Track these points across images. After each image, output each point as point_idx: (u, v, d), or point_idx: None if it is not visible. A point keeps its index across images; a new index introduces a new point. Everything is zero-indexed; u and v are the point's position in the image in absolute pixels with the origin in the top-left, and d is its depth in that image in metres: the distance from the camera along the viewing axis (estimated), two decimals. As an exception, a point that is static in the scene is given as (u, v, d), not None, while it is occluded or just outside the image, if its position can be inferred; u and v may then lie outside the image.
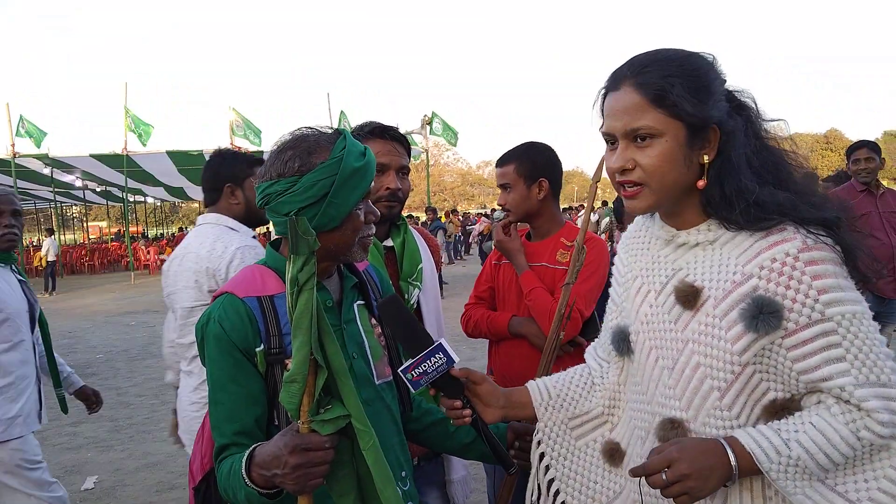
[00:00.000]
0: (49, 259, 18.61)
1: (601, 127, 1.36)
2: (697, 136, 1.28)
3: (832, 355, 1.20)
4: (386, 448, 1.46)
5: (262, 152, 20.98)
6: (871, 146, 4.86)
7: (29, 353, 2.89)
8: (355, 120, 18.48)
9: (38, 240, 30.83)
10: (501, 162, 2.55)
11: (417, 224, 14.67)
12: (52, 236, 20.18)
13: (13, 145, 19.09)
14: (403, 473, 1.58)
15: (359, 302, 1.61)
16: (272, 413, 1.45)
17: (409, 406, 1.70)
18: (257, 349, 1.42)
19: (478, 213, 37.58)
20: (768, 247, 1.25)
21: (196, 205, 45.94)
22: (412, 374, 1.41)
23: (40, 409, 2.95)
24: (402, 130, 2.28)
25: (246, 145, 20.09)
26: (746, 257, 1.27)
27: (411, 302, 2.20)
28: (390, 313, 1.46)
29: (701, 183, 1.29)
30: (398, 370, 1.45)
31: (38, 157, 19.91)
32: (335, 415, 1.30)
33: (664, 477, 1.19)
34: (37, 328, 2.98)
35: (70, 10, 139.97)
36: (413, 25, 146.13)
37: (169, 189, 28.35)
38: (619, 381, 1.55)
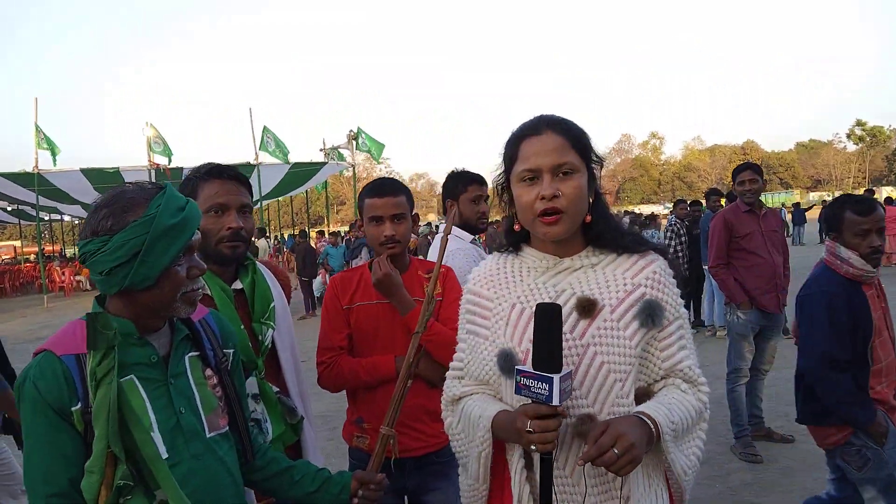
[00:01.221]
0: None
1: (517, 168, 1.60)
2: (591, 179, 1.61)
3: (683, 344, 1.61)
4: (219, 500, 1.47)
5: (180, 169, 20.61)
6: (754, 168, 5.11)
7: None
8: (282, 136, 18.26)
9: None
10: (392, 191, 2.49)
11: (342, 237, 14.59)
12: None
13: None
14: None
15: (191, 354, 1.60)
16: None
17: (252, 454, 1.70)
18: (73, 408, 1.38)
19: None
20: (648, 264, 1.63)
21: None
22: (522, 378, 1.42)
23: None
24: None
25: (163, 161, 19.66)
26: (633, 272, 1.62)
27: (266, 343, 2.18)
28: (544, 321, 1.40)
29: (588, 217, 1.62)
30: (516, 366, 1.45)
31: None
32: None
33: (616, 451, 1.35)
34: None
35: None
36: (338, 37, 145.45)
37: (86, 207, 27.27)
38: (512, 398, 1.60)
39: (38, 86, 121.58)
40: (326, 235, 20.35)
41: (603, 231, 1.64)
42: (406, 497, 2.52)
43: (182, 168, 20.50)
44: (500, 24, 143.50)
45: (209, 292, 2.06)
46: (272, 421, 2.14)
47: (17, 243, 48.67)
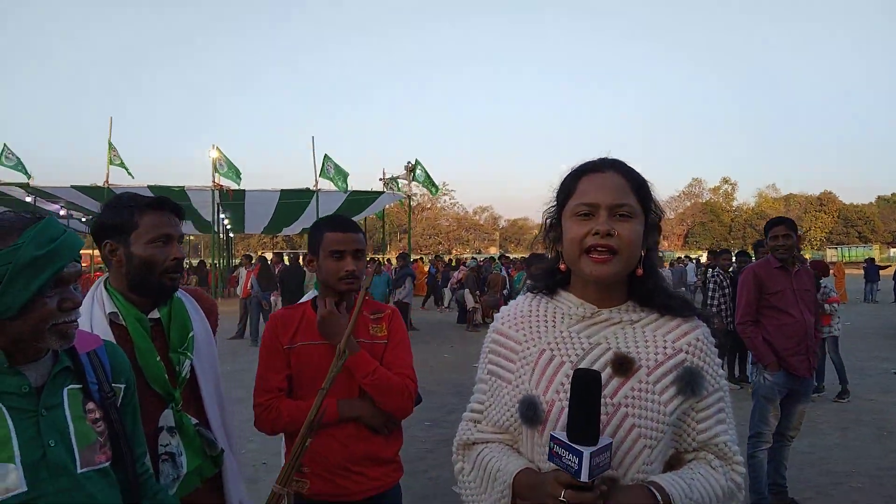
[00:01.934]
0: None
1: (572, 202, 1.54)
2: (648, 230, 1.55)
3: (722, 418, 1.54)
4: None
5: (242, 191, 21.24)
6: (788, 224, 4.84)
7: None
8: (344, 164, 18.55)
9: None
10: (353, 228, 2.48)
11: (389, 266, 14.67)
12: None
13: (-6, 174, 19.21)
14: None
15: (72, 386, 1.56)
16: None
17: (138, 494, 1.65)
18: None
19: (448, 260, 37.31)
20: (691, 329, 1.55)
21: (188, 237, 45.82)
22: (554, 446, 1.34)
23: None
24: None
25: (228, 184, 20.29)
26: (675, 336, 1.54)
27: (183, 374, 2.12)
28: (582, 388, 1.31)
29: (640, 271, 1.54)
30: (551, 432, 1.36)
31: (20, 185, 20.00)
32: None
33: None
34: None
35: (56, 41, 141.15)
36: (400, 75, 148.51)
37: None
38: (531, 451, 1.55)
39: (112, 105, 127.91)
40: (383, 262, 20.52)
41: (651, 288, 1.56)
42: None
43: (245, 190, 21.20)
44: (570, 62, 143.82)
45: (123, 322, 2.03)
46: (188, 454, 2.09)
47: (94, 252, 50.96)
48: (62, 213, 25.05)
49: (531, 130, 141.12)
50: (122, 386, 1.69)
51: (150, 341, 2.06)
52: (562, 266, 1.61)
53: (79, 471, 1.50)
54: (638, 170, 1.60)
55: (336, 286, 2.39)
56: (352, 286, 2.39)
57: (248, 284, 13.79)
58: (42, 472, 1.45)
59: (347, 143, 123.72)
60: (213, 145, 19.75)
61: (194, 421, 2.15)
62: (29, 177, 19.76)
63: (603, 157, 1.59)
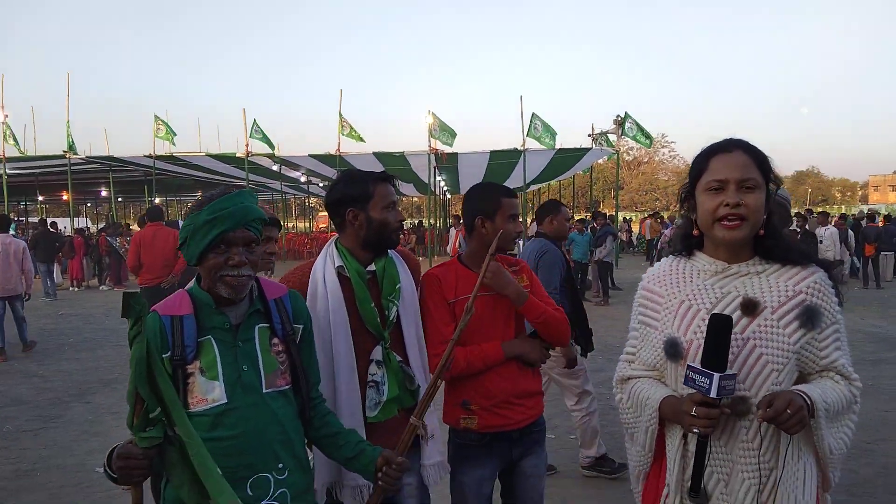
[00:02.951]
0: (269, 246, 21.19)
1: (704, 178, 1.86)
2: (768, 197, 1.85)
3: (838, 345, 1.83)
4: (262, 443, 1.88)
5: (455, 154, 22.25)
6: None
7: None
8: (552, 120, 18.62)
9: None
10: (511, 194, 2.83)
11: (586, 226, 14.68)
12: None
13: (247, 145, 22.16)
14: (280, 465, 1.93)
15: (261, 325, 1.98)
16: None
17: (308, 413, 2.08)
18: (164, 356, 1.84)
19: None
20: (810, 275, 1.85)
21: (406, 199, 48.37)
22: (690, 372, 1.74)
23: None
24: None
25: (443, 148, 21.38)
26: (795, 281, 1.84)
27: (391, 318, 2.54)
28: (717, 328, 1.70)
29: (762, 231, 1.85)
30: (688, 362, 1.78)
31: (268, 156, 22.78)
32: (150, 435, 1.70)
33: (788, 411, 1.63)
34: None
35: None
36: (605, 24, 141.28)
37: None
38: (675, 382, 1.91)
39: (342, 79, 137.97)
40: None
41: (772, 245, 1.87)
42: (511, 463, 2.79)
43: (457, 153, 22.22)
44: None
45: (347, 274, 2.50)
46: (390, 384, 2.51)
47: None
48: (302, 179, 28.09)
49: (762, 75, 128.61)
50: (301, 326, 2.08)
51: (367, 290, 2.50)
52: (695, 232, 1.94)
53: (264, 390, 1.92)
54: (758, 146, 1.88)
55: (507, 245, 2.76)
56: (514, 245, 2.81)
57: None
58: (238, 389, 1.88)
59: (556, 99, 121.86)
60: (429, 111, 20.69)
61: (398, 358, 2.55)
62: (273, 148, 22.49)
63: (729, 138, 1.89)
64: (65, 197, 28.74)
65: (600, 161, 25.41)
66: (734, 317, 1.77)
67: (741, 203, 1.78)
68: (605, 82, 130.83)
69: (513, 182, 26.38)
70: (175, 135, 22.79)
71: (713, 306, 1.85)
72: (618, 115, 21.01)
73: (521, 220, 2.80)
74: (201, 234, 1.89)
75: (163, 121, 22.57)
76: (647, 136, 20.98)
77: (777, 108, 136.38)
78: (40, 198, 35.60)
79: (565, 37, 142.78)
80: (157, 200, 37.56)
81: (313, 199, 47.28)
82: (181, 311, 1.92)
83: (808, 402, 1.70)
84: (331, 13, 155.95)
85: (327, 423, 2.14)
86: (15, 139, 21.93)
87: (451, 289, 2.73)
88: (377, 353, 2.53)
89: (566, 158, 22.87)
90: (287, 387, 2.01)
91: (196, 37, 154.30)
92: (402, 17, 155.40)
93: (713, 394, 1.66)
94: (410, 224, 31.49)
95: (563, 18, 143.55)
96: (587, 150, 22.82)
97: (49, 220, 22.08)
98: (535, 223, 5.64)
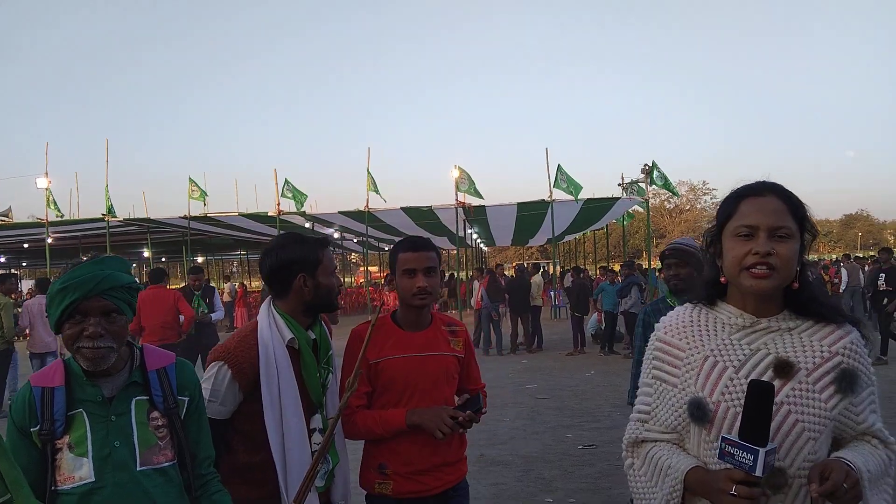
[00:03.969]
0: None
1: (733, 223, 1.71)
2: (802, 248, 1.71)
3: (874, 408, 1.72)
4: None
5: (483, 207, 22.29)
6: None
7: None
8: (579, 171, 18.64)
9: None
10: (423, 247, 2.68)
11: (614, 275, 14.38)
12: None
13: (278, 204, 22.53)
14: None
15: (139, 397, 1.91)
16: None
17: (194, 494, 1.97)
18: (33, 429, 1.80)
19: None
20: (845, 335, 1.71)
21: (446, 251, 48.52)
22: (726, 446, 1.54)
23: None
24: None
25: (469, 201, 21.47)
26: (831, 341, 1.70)
27: (328, 385, 2.53)
28: (758, 397, 1.51)
29: (796, 285, 1.70)
30: (721, 432, 1.59)
31: (299, 213, 23.17)
32: None
33: (845, 486, 1.50)
34: None
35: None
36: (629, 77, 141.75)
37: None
38: (698, 447, 1.73)
39: (371, 135, 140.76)
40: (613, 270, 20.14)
41: (805, 299, 1.72)
42: None
43: (485, 206, 22.25)
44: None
45: (297, 346, 2.42)
46: (331, 452, 2.49)
47: (374, 269, 56.31)
48: (336, 235, 28.42)
49: (807, 120, 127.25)
50: (187, 398, 1.99)
51: (315, 362, 2.47)
52: (722, 279, 1.76)
53: (137, 468, 1.84)
54: (793, 192, 1.74)
55: (410, 301, 2.63)
56: (424, 301, 2.62)
57: (479, 295, 14.51)
58: (107, 466, 1.80)
59: (582, 148, 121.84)
60: (455, 165, 20.91)
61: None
62: (302, 206, 22.85)
63: (763, 179, 1.74)
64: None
65: (639, 209, 25.05)
66: (765, 378, 1.63)
67: (772, 252, 1.62)
68: (637, 129, 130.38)
69: (545, 232, 26.30)
70: (206, 195, 23.34)
71: (742, 364, 1.69)
72: (645, 164, 20.70)
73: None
74: (56, 304, 1.84)
75: (196, 183, 23.18)
76: (672, 187, 20.74)
77: (822, 151, 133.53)
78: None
79: (595, 82, 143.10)
80: (199, 260, 38.53)
81: (354, 255, 47.74)
82: (53, 382, 1.87)
83: (854, 469, 1.56)
84: (357, 76, 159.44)
85: (214, 503, 2.02)
86: (56, 205, 22.73)
87: (374, 349, 2.58)
88: (317, 421, 2.48)
89: (595, 209, 22.73)
90: (168, 464, 1.91)
91: (232, 102, 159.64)
92: (427, 74, 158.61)
93: (759, 472, 1.48)
94: (442, 276, 31.47)
95: (588, 70, 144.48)
96: (616, 199, 22.66)
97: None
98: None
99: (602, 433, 7.51)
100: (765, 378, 1.62)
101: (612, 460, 6.42)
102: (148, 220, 24.24)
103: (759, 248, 1.62)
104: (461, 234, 22.91)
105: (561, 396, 9.80)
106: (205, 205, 23.44)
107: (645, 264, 20.51)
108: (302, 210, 23.04)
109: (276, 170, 22.37)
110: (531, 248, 51.86)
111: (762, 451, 1.47)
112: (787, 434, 1.62)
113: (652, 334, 1.89)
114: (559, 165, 20.29)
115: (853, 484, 1.50)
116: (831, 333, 1.71)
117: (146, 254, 29.04)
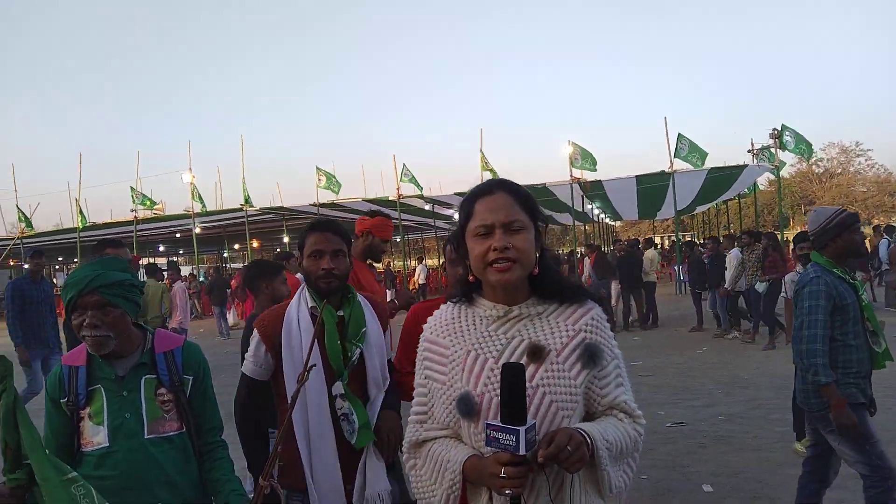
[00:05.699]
0: (420, 282, 22.12)
1: (471, 224, 1.80)
2: (537, 236, 1.83)
3: (619, 381, 1.82)
4: (141, 485, 2.10)
5: (599, 182, 21.83)
6: None
7: None
8: (703, 141, 17.53)
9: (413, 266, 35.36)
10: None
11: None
12: (423, 262, 23.81)
13: (398, 189, 23.43)
14: None
15: (148, 376, 2.22)
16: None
17: (197, 455, 2.28)
18: (62, 400, 2.17)
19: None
20: (587, 311, 1.83)
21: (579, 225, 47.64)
22: (491, 432, 1.58)
23: None
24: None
25: (586, 175, 21.13)
26: (574, 318, 1.82)
27: (353, 358, 2.70)
28: (511, 379, 1.57)
29: (536, 270, 1.81)
30: (486, 420, 1.63)
31: (418, 196, 23.86)
32: (16, 476, 1.85)
33: (569, 448, 1.57)
34: None
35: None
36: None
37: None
38: (470, 440, 1.79)
39: (482, 117, 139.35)
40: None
41: (547, 283, 1.84)
42: None
43: (601, 181, 21.79)
44: None
45: (316, 314, 2.66)
46: (357, 412, 2.64)
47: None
48: (455, 216, 28.78)
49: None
50: (192, 377, 2.30)
51: (336, 328, 2.67)
52: (471, 277, 1.86)
53: (145, 437, 2.15)
54: (520, 185, 1.85)
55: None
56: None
57: (587, 272, 14.34)
58: (119, 434, 2.12)
59: (707, 117, 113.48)
60: (568, 141, 20.60)
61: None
62: (421, 189, 23.53)
63: (492, 179, 1.88)
64: (255, 244, 31.91)
65: (771, 176, 23.35)
66: (521, 363, 1.69)
67: (509, 246, 1.73)
68: (766, 89, 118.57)
69: (668, 206, 25.29)
70: (337, 182, 24.43)
71: (500, 354, 1.77)
72: (774, 129, 19.34)
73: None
74: (63, 299, 2.18)
75: (324, 171, 24.39)
76: (808, 147, 19.19)
77: None
78: (236, 246, 39.80)
79: (707, 49, 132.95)
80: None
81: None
82: (77, 361, 2.23)
83: (588, 439, 1.63)
84: (470, 55, 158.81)
85: (215, 468, 2.32)
86: (200, 198, 24.79)
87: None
88: (338, 387, 2.67)
89: (722, 178, 21.50)
90: (174, 433, 2.23)
91: (356, 97, 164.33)
92: (538, 51, 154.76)
93: (522, 450, 1.53)
94: (560, 253, 31.02)
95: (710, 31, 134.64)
96: (742, 166, 21.34)
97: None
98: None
99: (696, 411, 7.35)
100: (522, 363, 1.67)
101: (697, 437, 6.31)
102: (282, 208, 25.88)
103: (497, 244, 1.72)
104: (579, 209, 22.52)
105: (665, 374, 9.61)
106: (336, 192, 24.62)
107: (780, 235, 19.08)
108: (421, 194, 23.68)
109: (394, 155, 23.19)
110: (667, 220, 49.73)
111: (522, 429, 1.53)
112: (545, 415, 1.68)
113: (421, 335, 1.95)
114: (679, 133, 19.51)
115: (576, 446, 1.56)
116: (574, 312, 1.81)
117: (285, 239, 30.89)
